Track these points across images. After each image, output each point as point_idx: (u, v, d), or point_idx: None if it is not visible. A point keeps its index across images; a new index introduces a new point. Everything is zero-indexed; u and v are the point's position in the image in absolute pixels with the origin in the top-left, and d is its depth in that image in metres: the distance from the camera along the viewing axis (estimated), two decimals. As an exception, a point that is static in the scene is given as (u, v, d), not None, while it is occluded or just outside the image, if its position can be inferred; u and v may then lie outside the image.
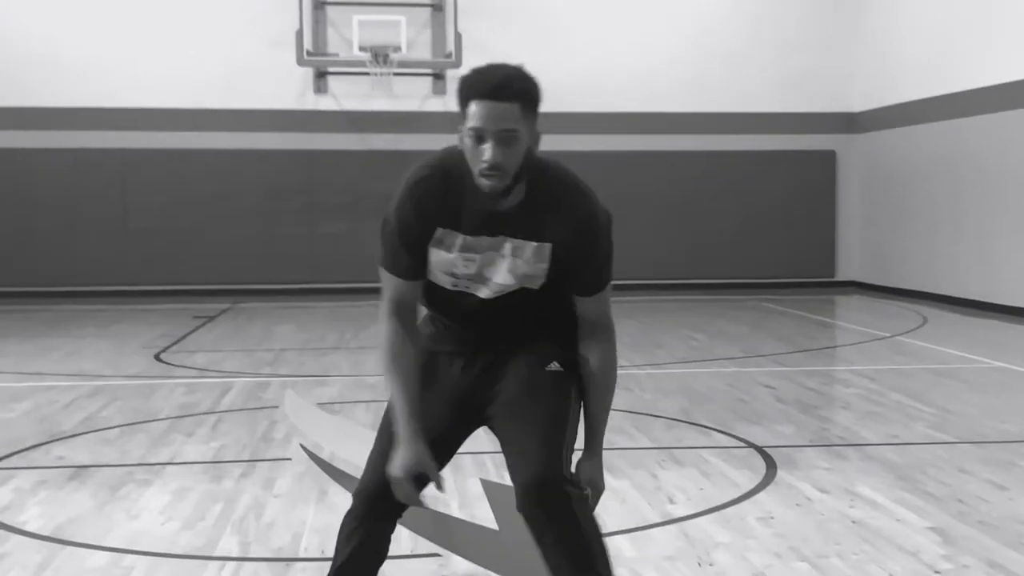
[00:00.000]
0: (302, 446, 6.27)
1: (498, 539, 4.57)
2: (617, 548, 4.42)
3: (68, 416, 7.23)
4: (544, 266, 2.95)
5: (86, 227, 15.78)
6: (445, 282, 3.01)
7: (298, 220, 16.11)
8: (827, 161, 16.90)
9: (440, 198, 2.92)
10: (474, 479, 5.39)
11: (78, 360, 9.83)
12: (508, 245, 2.95)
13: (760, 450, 6.09)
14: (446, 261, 2.97)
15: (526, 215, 2.92)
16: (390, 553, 4.31)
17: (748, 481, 5.44)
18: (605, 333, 3.09)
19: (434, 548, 4.39)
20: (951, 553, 4.36)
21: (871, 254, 16.39)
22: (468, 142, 2.83)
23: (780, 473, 5.59)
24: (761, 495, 5.20)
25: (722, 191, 16.56)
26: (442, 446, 3.04)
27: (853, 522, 4.77)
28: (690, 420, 6.90)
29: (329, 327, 12.16)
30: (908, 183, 15.28)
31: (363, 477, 3.06)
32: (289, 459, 5.97)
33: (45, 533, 4.70)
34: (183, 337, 11.41)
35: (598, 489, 3.03)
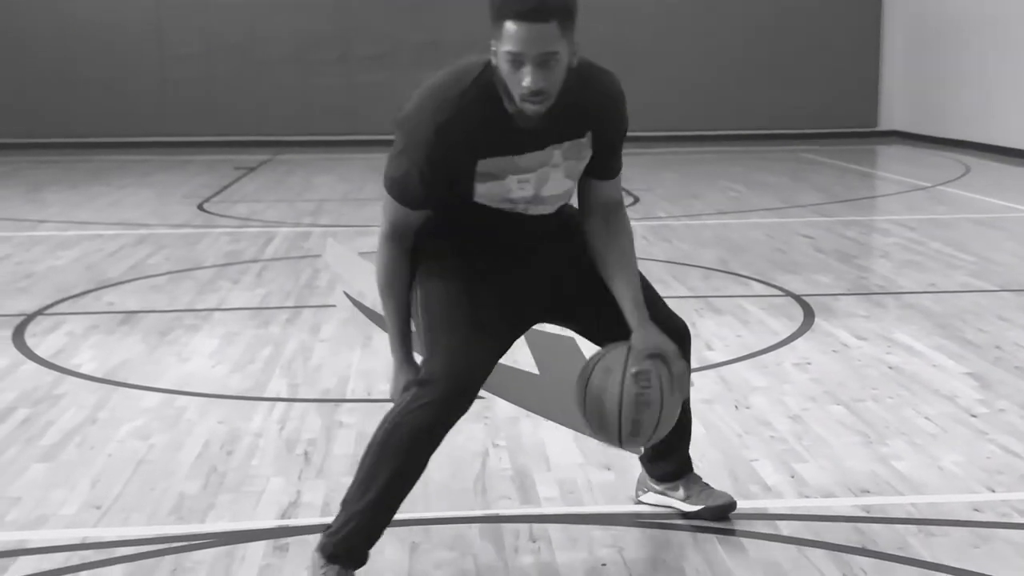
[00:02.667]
0: (346, 293, 6.36)
1: (538, 383, 4.66)
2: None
3: (115, 264, 7.36)
4: (590, 154, 2.85)
5: (123, 78, 15.75)
6: (500, 206, 2.84)
7: (336, 70, 16.00)
8: (872, 6, 16.51)
9: (473, 131, 2.70)
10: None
11: (122, 209, 9.95)
12: (558, 153, 2.78)
13: (798, 299, 6.13)
14: (500, 190, 2.79)
15: (564, 114, 2.72)
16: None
17: (785, 329, 5.51)
18: (623, 210, 2.98)
19: (477, 391, 4.49)
20: (987, 398, 4.42)
21: (915, 103, 16.13)
22: (505, 66, 2.62)
23: (818, 321, 5.64)
24: (798, 342, 5.26)
25: (760, 37, 16.26)
26: (493, 349, 2.89)
27: (890, 368, 4.84)
28: (728, 270, 6.94)
29: (368, 178, 12.18)
30: (956, 31, 14.95)
31: (436, 365, 2.79)
32: (333, 306, 6.08)
33: (99, 375, 4.84)
34: (225, 188, 11.50)
35: (674, 352, 2.86)
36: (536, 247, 2.95)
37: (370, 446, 2.81)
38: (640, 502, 3.40)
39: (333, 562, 2.80)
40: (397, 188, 2.80)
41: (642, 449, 3.18)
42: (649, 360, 2.80)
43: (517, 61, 2.59)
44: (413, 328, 2.94)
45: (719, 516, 3.26)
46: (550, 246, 2.97)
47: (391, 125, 2.84)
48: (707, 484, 3.32)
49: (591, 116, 2.80)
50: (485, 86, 2.70)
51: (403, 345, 2.92)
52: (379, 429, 2.81)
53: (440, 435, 2.81)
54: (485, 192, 2.78)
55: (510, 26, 2.58)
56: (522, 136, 2.72)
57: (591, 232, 2.94)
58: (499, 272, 2.91)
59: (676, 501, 3.31)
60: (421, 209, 2.82)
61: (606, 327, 2.94)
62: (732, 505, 3.28)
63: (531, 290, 2.96)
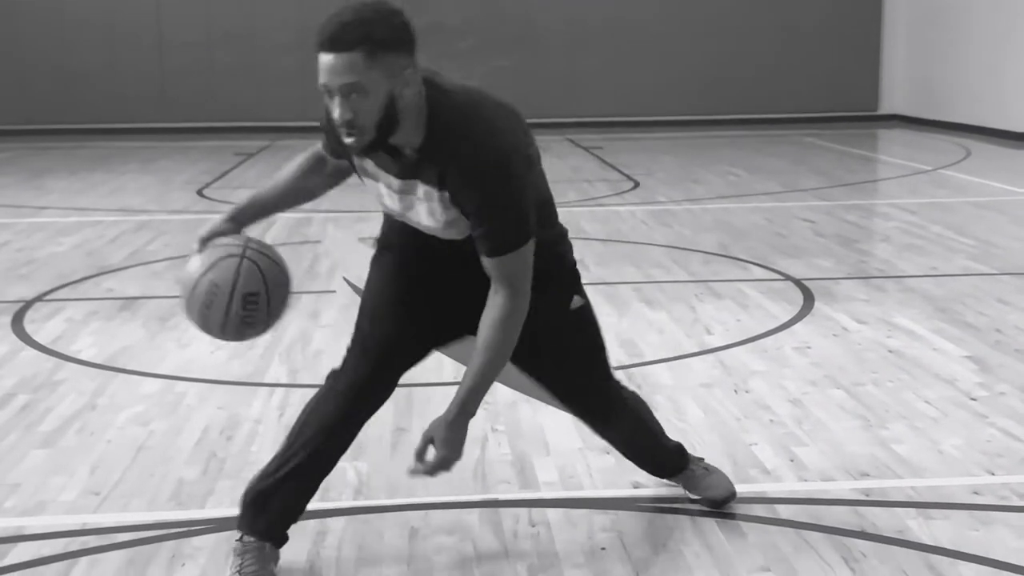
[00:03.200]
0: (345, 279, 6.37)
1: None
2: (655, 376, 4.52)
3: (116, 250, 7.36)
4: (455, 210, 2.60)
5: (123, 65, 15.73)
6: (392, 212, 2.79)
7: (335, 56, 15.96)
8: (873, -10, 16.48)
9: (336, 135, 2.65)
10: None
11: (123, 196, 9.94)
12: (421, 189, 2.62)
13: (798, 283, 6.13)
14: (376, 193, 2.76)
15: (428, 158, 2.57)
16: (435, 380, 4.43)
17: (785, 313, 5.50)
18: (515, 295, 2.64)
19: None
20: (987, 381, 4.42)
21: (916, 86, 16.09)
22: (325, 97, 2.54)
23: (818, 305, 5.64)
24: (798, 326, 5.26)
25: (761, 21, 16.21)
26: (414, 352, 2.93)
27: (890, 351, 4.83)
28: (728, 254, 6.93)
29: (368, 163, 12.19)
30: (957, 15, 14.91)
31: (351, 356, 2.91)
32: (333, 291, 6.08)
33: (99, 361, 4.84)
34: (224, 174, 11.49)
35: (444, 454, 2.68)
36: (447, 269, 2.83)
37: (296, 421, 2.93)
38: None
39: (252, 535, 2.87)
40: (323, 130, 2.85)
41: None
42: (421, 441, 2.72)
43: (327, 91, 2.50)
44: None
45: (716, 506, 3.26)
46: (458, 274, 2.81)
47: None
48: (707, 470, 3.30)
49: (446, 174, 2.57)
50: None
51: (248, 204, 3.04)
52: (304, 409, 2.93)
53: (356, 423, 2.90)
54: (370, 187, 2.77)
55: (320, 57, 2.50)
56: (390, 159, 2.63)
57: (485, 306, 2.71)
58: (428, 279, 2.87)
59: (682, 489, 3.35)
60: (334, 155, 2.88)
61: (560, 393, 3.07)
62: (730, 496, 3.27)
63: (453, 303, 2.85)
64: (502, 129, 2.60)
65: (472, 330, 2.74)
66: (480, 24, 15.80)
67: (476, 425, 3.94)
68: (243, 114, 15.86)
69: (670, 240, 7.25)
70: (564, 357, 2.97)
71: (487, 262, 2.63)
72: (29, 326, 5.42)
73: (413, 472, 2.72)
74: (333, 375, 2.92)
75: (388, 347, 2.87)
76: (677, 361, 4.73)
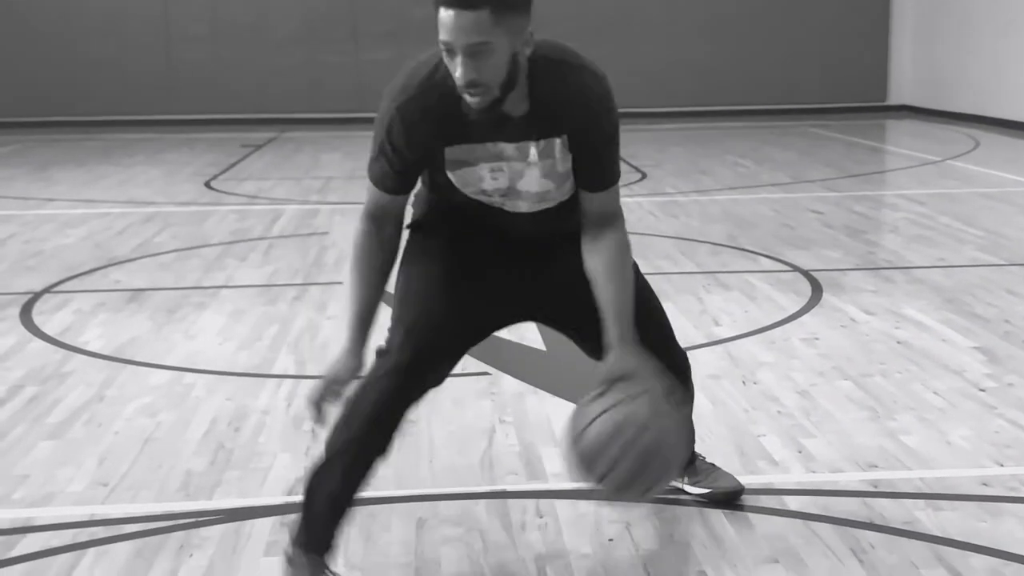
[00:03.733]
0: (353, 270, 6.37)
1: (545, 359, 4.67)
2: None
3: (123, 241, 7.36)
4: (570, 157, 2.64)
5: (130, 56, 15.74)
6: (482, 199, 2.72)
7: (343, 48, 15.96)
8: (882, -19, 16.42)
9: (436, 119, 2.57)
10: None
11: (130, 188, 9.95)
12: (533, 150, 2.62)
13: (806, 274, 6.12)
14: (473, 178, 2.66)
15: (539, 110, 2.57)
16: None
17: (793, 304, 5.49)
18: (618, 222, 2.73)
19: (483, 367, 4.49)
20: (996, 372, 4.41)
21: (924, 76, 16.04)
22: (443, 55, 2.49)
23: (826, 296, 5.62)
24: (806, 317, 5.25)
25: (770, 11, 16.17)
26: (458, 337, 2.82)
27: (898, 343, 4.82)
28: (736, 245, 6.92)
29: (375, 155, 12.18)
30: (966, 6, 14.85)
31: (395, 337, 2.75)
32: (341, 283, 6.08)
33: (107, 353, 4.85)
34: (232, 165, 11.49)
35: (647, 379, 2.62)
36: (524, 252, 2.82)
37: (335, 423, 2.74)
38: None
39: (298, 546, 2.73)
40: (372, 171, 2.70)
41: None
42: (620, 384, 2.59)
43: (449, 51, 2.45)
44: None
45: (725, 500, 3.21)
46: (540, 254, 2.83)
47: None
48: (714, 466, 3.28)
49: (564, 117, 2.60)
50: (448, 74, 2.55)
51: (356, 330, 2.71)
52: (349, 397, 2.74)
53: (399, 406, 2.72)
54: (459, 180, 2.67)
55: (441, 13, 2.43)
56: (493, 126, 2.58)
57: (583, 246, 2.74)
58: (482, 266, 2.81)
59: (684, 485, 3.26)
60: (394, 194, 2.69)
61: (590, 349, 2.89)
62: (739, 490, 3.22)
63: (511, 292, 2.85)
64: (592, 63, 2.65)
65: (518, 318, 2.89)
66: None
67: (483, 416, 3.95)
68: (250, 106, 15.86)
69: (678, 231, 7.23)
70: (641, 306, 2.78)
71: (597, 198, 2.69)
72: (37, 318, 5.43)
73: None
74: (378, 355, 2.75)
75: (442, 345, 2.78)
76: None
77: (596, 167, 2.68)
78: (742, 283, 5.92)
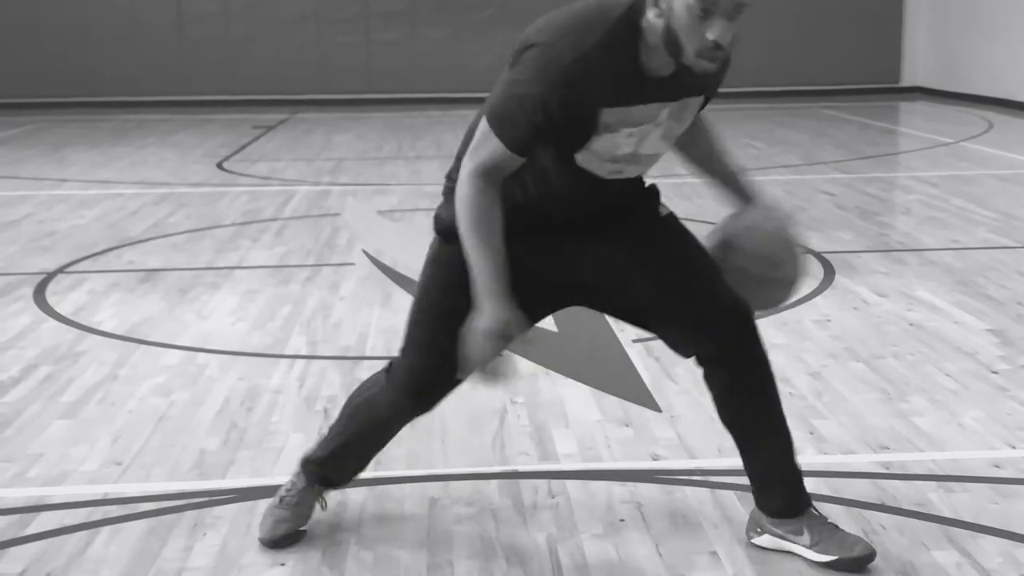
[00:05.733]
0: (365, 252, 6.38)
1: (557, 340, 4.67)
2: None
3: (136, 222, 7.38)
4: (691, 118, 2.61)
5: (141, 37, 15.74)
6: (601, 170, 2.55)
7: (354, 28, 15.94)
8: (896, -38, 16.33)
9: (602, 80, 2.38)
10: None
11: (143, 169, 9.96)
12: (665, 111, 2.49)
13: (819, 256, 6.10)
14: (611, 145, 2.49)
15: (689, 71, 2.41)
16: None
17: (806, 286, 5.48)
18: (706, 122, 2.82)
19: (496, 348, 4.49)
20: (1009, 354, 4.40)
21: (938, 58, 15.96)
22: (684, 15, 2.28)
23: (838, 278, 5.62)
24: (818, 299, 5.24)
25: (786, -5, 16.11)
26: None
27: (911, 324, 4.82)
28: (749, 226, 6.90)
29: (386, 137, 12.18)
30: (980, -15, 14.77)
31: (412, 363, 2.75)
32: (353, 264, 6.09)
33: (120, 333, 4.87)
34: (244, 147, 11.49)
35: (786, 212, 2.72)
36: (597, 226, 2.70)
37: (341, 414, 2.96)
38: (753, 544, 2.88)
39: (306, 476, 2.99)
40: (507, 123, 2.42)
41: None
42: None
43: (707, 11, 2.28)
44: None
45: (856, 569, 2.74)
46: (608, 223, 2.71)
47: (513, 50, 2.45)
48: (836, 526, 2.81)
49: (709, 76, 2.48)
50: (629, 27, 2.38)
51: (495, 281, 2.49)
52: (352, 397, 2.96)
53: (398, 424, 2.93)
54: (599, 147, 2.48)
55: None
56: (646, 87, 2.44)
57: (681, 151, 2.80)
58: (521, 264, 2.59)
59: (801, 548, 2.79)
60: (522, 154, 2.45)
61: (658, 315, 2.72)
62: (872, 555, 2.74)
63: (571, 272, 2.71)
64: None
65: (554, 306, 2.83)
66: (499, -3, 15.73)
67: (494, 396, 3.96)
68: (261, 87, 15.86)
69: (690, 213, 7.22)
70: (693, 247, 2.74)
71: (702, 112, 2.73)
72: (51, 298, 5.45)
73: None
74: (385, 372, 2.85)
75: (440, 374, 2.75)
76: (696, 334, 4.72)
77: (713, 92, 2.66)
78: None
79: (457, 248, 2.55)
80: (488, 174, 2.48)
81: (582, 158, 2.51)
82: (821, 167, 9.52)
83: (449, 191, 2.67)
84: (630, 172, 2.61)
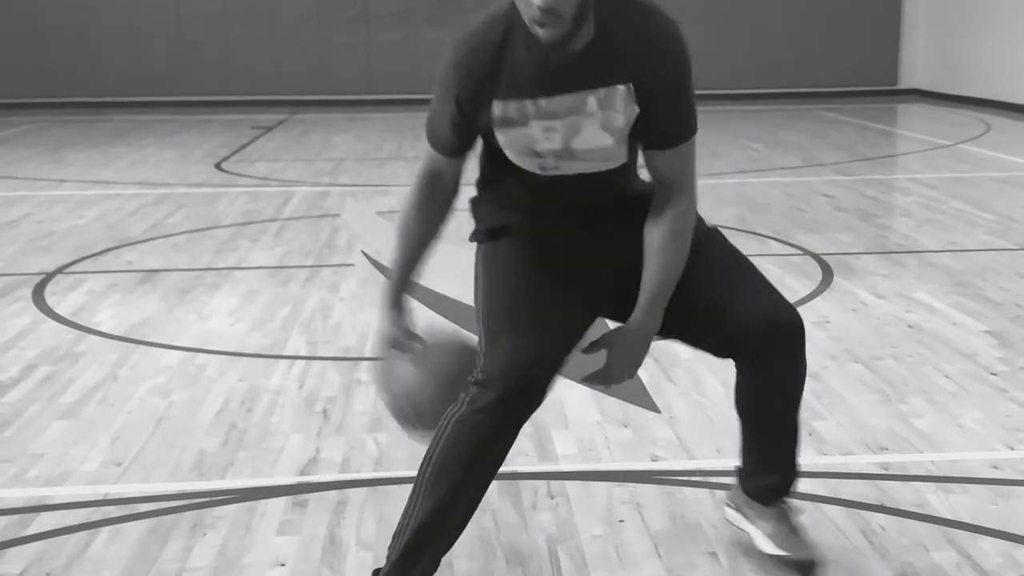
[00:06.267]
0: (364, 253, 6.39)
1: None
2: (673, 351, 4.52)
3: (136, 223, 7.38)
4: (634, 109, 2.42)
5: (140, 37, 15.74)
6: (531, 166, 2.51)
7: (354, 29, 15.95)
8: (895, -36, 16.35)
9: (490, 64, 2.41)
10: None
11: (142, 169, 9.96)
12: (592, 100, 2.41)
13: (817, 257, 6.11)
14: (523, 138, 2.46)
15: (603, 55, 2.38)
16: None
17: (804, 287, 5.49)
18: (686, 191, 2.54)
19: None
20: (1007, 356, 4.41)
21: (936, 61, 15.98)
22: None
23: (837, 279, 5.62)
24: (817, 300, 5.25)
25: (785, -4, 16.12)
26: (558, 342, 2.51)
27: (909, 326, 4.82)
28: (747, 229, 6.92)
29: (386, 137, 12.19)
30: (979, -13, 14.79)
31: (495, 362, 2.44)
32: (352, 265, 6.09)
33: (119, 333, 4.87)
34: (243, 147, 11.50)
35: (620, 367, 2.57)
36: (592, 224, 2.63)
37: (426, 460, 2.50)
38: (727, 512, 2.94)
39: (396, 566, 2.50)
40: (429, 128, 2.59)
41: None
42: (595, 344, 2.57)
43: None
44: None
45: (800, 571, 2.72)
46: (609, 225, 2.64)
47: None
48: (798, 527, 2.79)
49: (630, 61, 2.39)
50: (515, 19, 2.40)
51: (395, 288, 2.65)
52: (434, 441, 2.49)
53: (506, 441, 2.51)
54: (509, 142, 2.47)
55: None
56: (551, 76, 2.40)
57: (652, 207, 2.56)
58: (562, 255, 2.61)
59: (757, 534, 2.80)
60: (449, 156, 2.57)
61: (725, 307, 2.59)
62: (815, 566, 2.72)
63: (594, 274, 2.63)
64: (663, 9, 2.47)
65: (606, 306, 2.67)
66: (498, -3, 15.73)
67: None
68: (260, 87, 15.86)
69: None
70: (729, 255, 2.69)
71: (664, 156, 2.50)
72: (50, 298, 5.45)
73: (585, 381, 2.62)
74: (479, 386, 2.45)
75: (544, 357, 2.48)
76: (696, 335, 4.73)
77: (662, 120, 2.46)
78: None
79: (487, 246, 2.69)
80: (426, 177, 2.63)
81: (510, 154, 2.51)
82: (820, 169, 9.53)
83: (473, 201, 2.76)
84: (571, 168, 2.51)
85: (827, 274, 5.73)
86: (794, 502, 2.87)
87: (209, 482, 3.36)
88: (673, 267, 2.53)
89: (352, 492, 3.25)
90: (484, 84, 2.43)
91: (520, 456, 3.50)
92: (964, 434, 3.64)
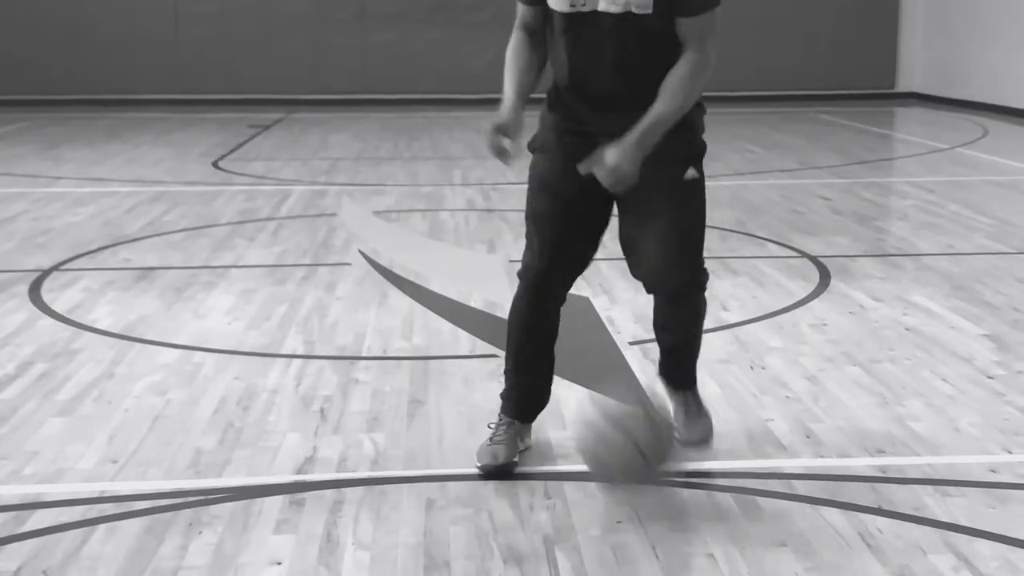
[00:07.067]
0: (361, 252, 6.38)
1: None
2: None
3: (132, 220, 7.37)
4: None
5: (138, 35, 15.71)
6: (563, 5, 3.07)
7: (351, 28, 15.93)
8: (893, -33, 16.35)
9: None
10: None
11: (138, 167, 9.95)
12: None
13: (815, 260, 6.11)
14: None
15: None
16: (451, 352, 4.47)
17: (802, 290, 5.49)
18: (701, 51, 3.12)
19: (492, 349, 4.50)
20: (1005, 359, 4.41)
21: (933, 64, 15.99)
22: None
23: (834, 282, 5.62)
24: (815, 303, 5.25)
25: (782, -1, 16.12)
26: (588, 229, 3.29)
27: (907, 329, 4.82)
28: (744, 231, 6.92)
29: (383, 137, 12.17)
30: (976, -9, 14.80)
31: (525, 260, 3.31)
32: (349, 264, 6.08)
33: (116, 331, 4.86)
34: (239, 146, 11.48)
35: (619, 173, 3.05)
36: (610, 131, 3.11)
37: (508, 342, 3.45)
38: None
39: (506, 412, 3.44)
40: None
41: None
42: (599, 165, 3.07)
43: None
44: None
45: (692, 446, 3.46)
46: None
47: None
48: (700, 410, 3.55)
49: None
50: None
51: (518, 96, 3.16)
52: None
53: (541, 312, 3.36)
54: None
55: None
56: None
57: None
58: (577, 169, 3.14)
59: (670, 410, 3.35)
60: (529, 4, 3.20)
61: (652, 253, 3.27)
62: (707, 436, 3.52)
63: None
64: None
65: (634, 208, 3.24)
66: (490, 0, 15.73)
67: (492, 397, 3.95)
68: (257, 86, 15.84)
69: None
70: (665, 217, 3.23)
71: (686, 23, 3.08)
72: (47, 295, 5.44)
73: (584, 168, 3.09)
74: (519, 275, 3.35)
75: (560, 244, 3.26)
76: (693, 337, 4.72)
77: None
78: (751, 268, 5.92)
79: (532, 158, 3.34)
80: (519, 27, 3.26)
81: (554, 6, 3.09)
82: (817, 171, 9.53)
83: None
84: (601, 4, 3.04)
85: (825, 277, 5.73)
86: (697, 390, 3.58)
87: (206, 480, 3.35)
88: (672, 106, 3.09)
89: (349, 491, 3.24)
90: None
91: (517, 456, 3.49)
92: (962, 437, 3.63)
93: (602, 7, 3.05)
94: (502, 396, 3.48)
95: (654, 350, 4.45)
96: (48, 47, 15.60)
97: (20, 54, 15.58)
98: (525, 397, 3.46)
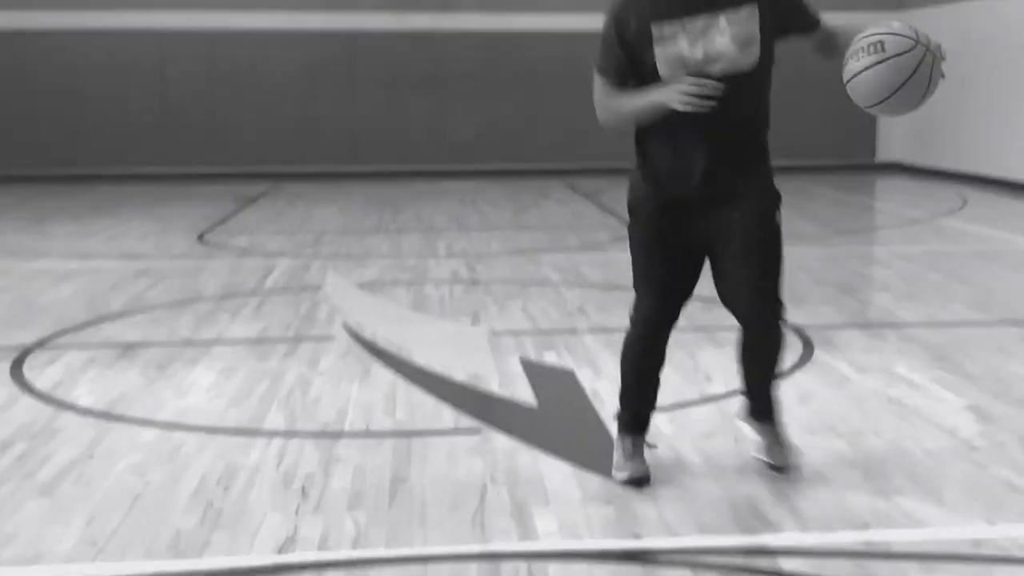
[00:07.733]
0: (345, 325, 6.37)
1: (536, 416, 4.66)
2: (656, 426, 4.50)
3: (116, 296, 7.36)
4: (756, 21, 3.53)
5: (126, 110, 15.82)
6: (679, 72, 3.52)
7: (337, 102, 16.06)
8: (871, 40, 16.55)
9: (647, 5, 3.51)
10: (513, 358, 5.47)
11: (124, 241, 9.96)
12: (722, 18, 3.51)
13: (798, 331, 6.12)
14: (676, 53, 3.52)
15: None
16: (433, 427, 4.45)
17: (786, 361, 5.48)
18: (830, 26, 3.80)
19: (475, 424, 4.48)
20: (987, 430, 4.41)
21: (914, 134, 16.16)
22: None
23: (817, 353, 5.63)
24: (798, 374, 5.25)
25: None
26: (684, 283, 3.85)
27: (890, 401, 4.82)
28: (729, 301, 6.92)
29: (368, 210, 12.23)
30: (955, 65, 14.97)
31: (639, 305, 3.86)
32: (332, 338, 6.07)
33: (97, 409, 4.83)
34: (225, 219, 11.51)
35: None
36: (716, 185, 3.74)
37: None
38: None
39: (622, 430, 3.95)
40: (600, 65, 3.64)
41: None
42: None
43: None
44: None
45: (774, 470, 3.95)
46: (729, 193, 3.82)
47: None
48: (779, 439, 4.00)
49: None
50: None
51: (644, 93, 3.58)
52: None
53: (652, 348, 3.92)
54: (665, 58, 3.51)
55: None
56: (688, 4, 3.52)
57: (822, 40, 3.85)
58: (672, 229, 3.74)
59: (755, 445, 4.05)
60: (617, 86, 3.62)
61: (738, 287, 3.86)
62: (783, 468, 3.94)
63: (694, 240, 3.80)
64: None
65: (719, 244, 3.86)
66: (478, 71, 15.88)
67: (474, 474, 3.94)
68: (244, 159, 15.93)
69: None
70: (761, 250, 3.93)
71: (815, 34, 3.81)
72: (28, 373, 5.41)
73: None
74: (633, 322, 3.90)
75: (667, 288, 3.84)
76: (678, 410, 4.72)
77: (798, 17, 3.72)
78: (734, 339, 5.90)
79: (629, 222, 3.84)
80: (600, 106, 3.69)
81: (662, 68, 3.53)
82: (800, 241, 9.58)
83: (632, 174, 3.80)
84: (713, 69, 3.51)
85: (808, 347, 5.74)
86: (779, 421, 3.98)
87: (186, 561, 3.31)
88: (842, 38, 3.73)
89: (330, 572, 3.21)
90: (643, 13, 3.52)
91: (500, 534, 3.47)
92: (946, 510, 3.62)
93: (718, 69, 3.55)
94: (618, 418, 3.97)
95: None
96: (38, 123, 15.69)
97: (7, 130, 15.64)
98: (645, 415, 3.98)
